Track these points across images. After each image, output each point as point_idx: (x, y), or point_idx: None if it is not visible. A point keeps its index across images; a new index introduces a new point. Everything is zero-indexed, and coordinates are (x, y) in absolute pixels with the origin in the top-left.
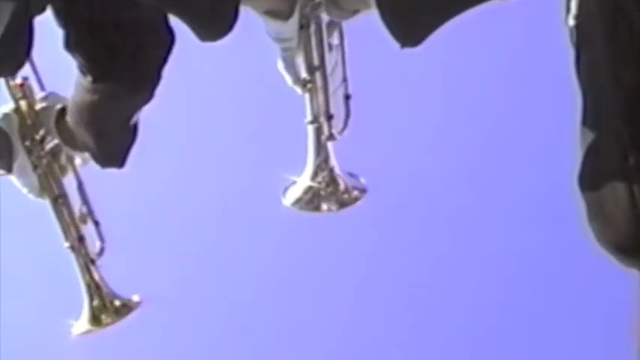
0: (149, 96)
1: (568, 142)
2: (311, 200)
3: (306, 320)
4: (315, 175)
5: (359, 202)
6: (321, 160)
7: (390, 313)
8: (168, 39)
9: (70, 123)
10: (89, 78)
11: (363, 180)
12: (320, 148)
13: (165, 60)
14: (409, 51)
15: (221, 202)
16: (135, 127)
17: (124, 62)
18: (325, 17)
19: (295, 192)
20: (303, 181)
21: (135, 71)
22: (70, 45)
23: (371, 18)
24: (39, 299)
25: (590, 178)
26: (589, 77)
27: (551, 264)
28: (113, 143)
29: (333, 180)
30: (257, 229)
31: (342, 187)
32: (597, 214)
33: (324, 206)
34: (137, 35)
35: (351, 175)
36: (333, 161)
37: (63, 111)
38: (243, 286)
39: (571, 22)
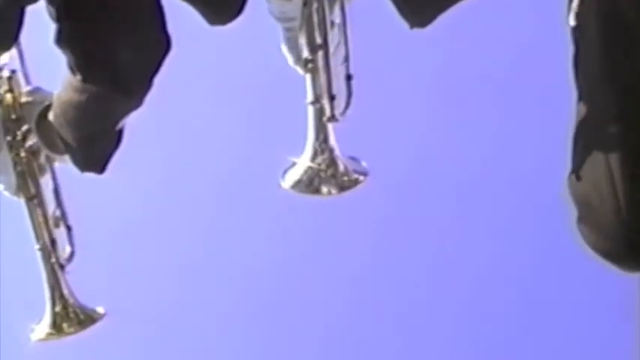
0: (139, 102)
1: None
2: (310, 182)
3: (305, 307)
4: (314, 156)
5: (360, 186)
6: (321, 142)
7: (392, 298)
8: (165, 45)
9: (53, 123)
10: (79, 77)
11: (364, 163)
12: (320, 129)
13: (159, 66)
14: (414, 30)
15: (217, 185)
16: (120, 134)
17: (118, 63)
18: None
19: (294, 174)
20: (303, 162)
21: (128, 74)
22: (62, 40)
23: None
24: (4, 299)
25: (579, 178)
26: (584, 75)
27: (554, 250)
28: (96, 147)
29: (333, 162)
30: (254, 213)
31: (342, 169)
32: (585, 217)
33: (324, 189)
34: (135, 36)
35: (352, 158)
36: (333, 143)
37: (45, 111)
38: (239, 275)
39: (572, 21)
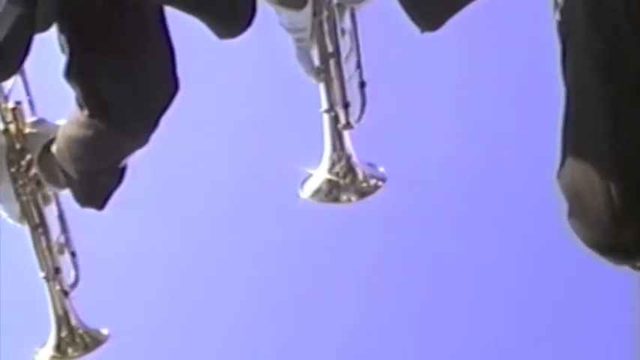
0: (144, 141)
1: None
2: (330, 191)
3: (325, 316)
4: (332, 166)
5: (378, 192)
6: (337, 150)
7: (412, 304)
8: (173, 88)
9: (56, 156)
10: (86, 112)
11: (381, 169)
12: (336, 137)
13: (166, 108)
14: (426, 35)
15: (233, 198)
16: (122, 171)
17: (126, 102)
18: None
19: (313, 184)
20: (321, 173)
21: (134, 113)
22: (72, 74)
23: (383, 2)
24: (7, 324)
25: (569, 172)
26: (572, 71)
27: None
28: (98, 184)
29: (351, 169)
30: (273, 225)
31: (360, 176)
32: (575, 210)
33: (344, 197)
34: (145, 78)
35: (370, 164)
36: (351, 150)
37: (49, 144)
38: (254, 292)
39: (558, 16)
